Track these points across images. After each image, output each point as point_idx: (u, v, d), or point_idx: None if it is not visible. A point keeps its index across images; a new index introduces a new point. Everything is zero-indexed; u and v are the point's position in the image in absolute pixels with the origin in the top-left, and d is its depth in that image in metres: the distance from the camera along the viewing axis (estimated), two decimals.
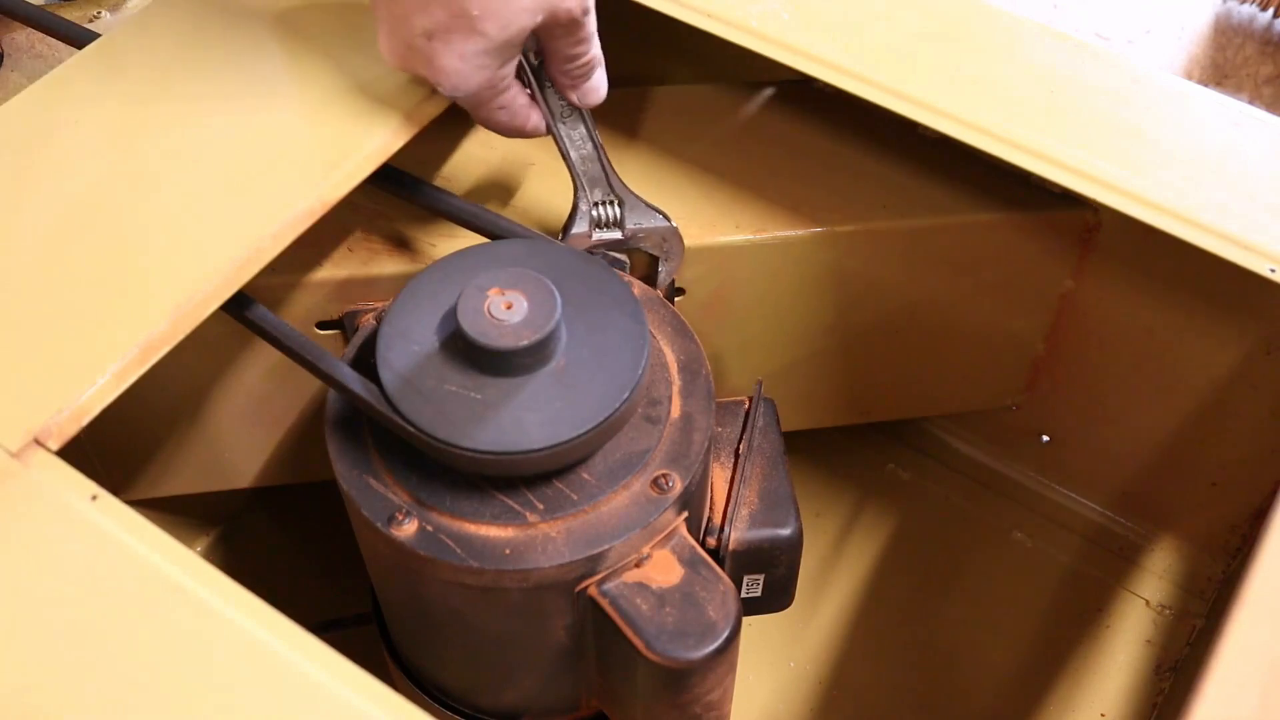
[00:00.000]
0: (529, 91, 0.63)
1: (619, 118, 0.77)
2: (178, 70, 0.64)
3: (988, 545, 0.96)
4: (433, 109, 0.63)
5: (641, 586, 0.54)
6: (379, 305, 0.68)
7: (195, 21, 0.67)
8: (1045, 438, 0.94)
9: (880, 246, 0.75)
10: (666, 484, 0.55)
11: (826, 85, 0.66)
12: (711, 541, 0.61)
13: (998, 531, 0.96)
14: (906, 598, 0.93)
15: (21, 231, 0.57)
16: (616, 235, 0.67)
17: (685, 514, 0.56)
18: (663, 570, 0.55)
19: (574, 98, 0.64)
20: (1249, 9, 1.51)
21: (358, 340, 0.61)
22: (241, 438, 0.75)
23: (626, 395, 0.54)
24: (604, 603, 0.54)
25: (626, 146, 0.77)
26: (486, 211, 0.64)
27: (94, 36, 0.69)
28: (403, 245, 0.69)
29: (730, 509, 0.62)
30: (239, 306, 0.58)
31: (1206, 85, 1.00)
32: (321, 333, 0.70)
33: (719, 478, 0.64)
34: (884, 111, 0.65)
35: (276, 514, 0.97)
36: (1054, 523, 0.96)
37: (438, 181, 0.71)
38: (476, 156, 0.75)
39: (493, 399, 0.53)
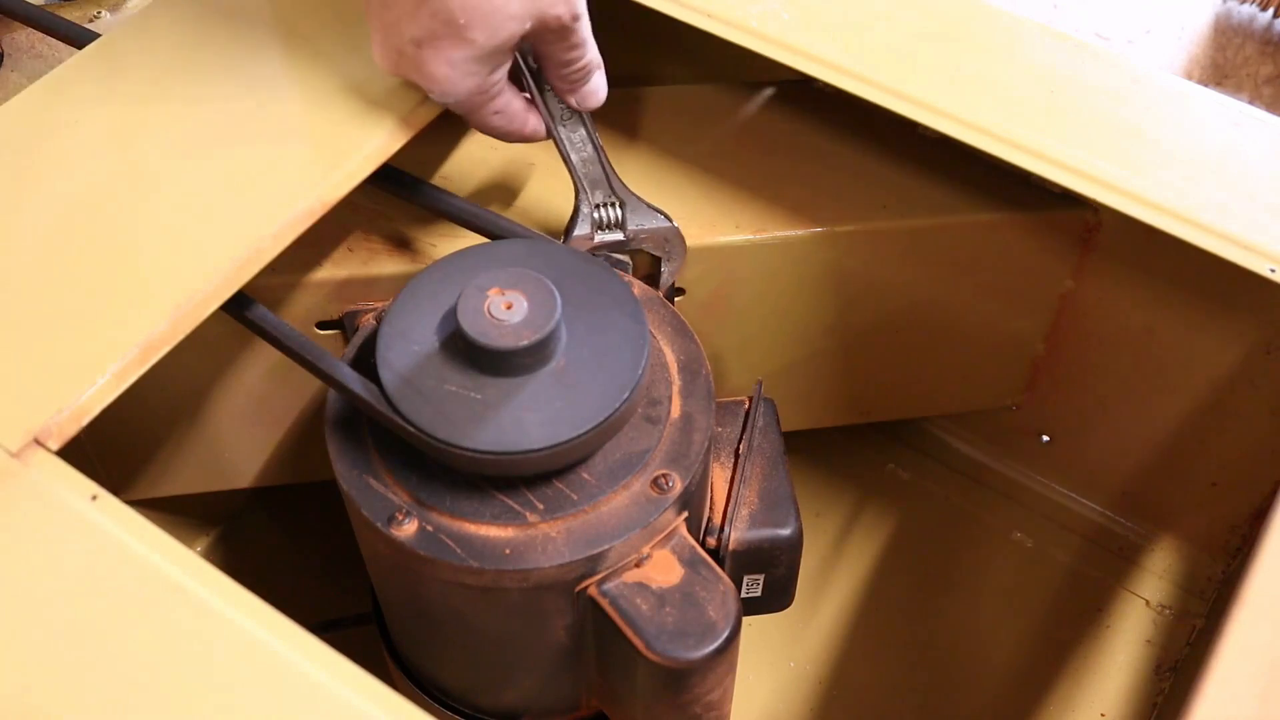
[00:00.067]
0: (526, 96, 0.63)
1: (619, 118, 0.77)
2: (178, 70, 0.64)
3: (988, 545, 0.95)
4: (432, 109, 0.63)
5: (641, 586, 0.54)
6: (379, 305, 0.68)
7: (195, 21, 0.67)
8: (1045, 438, 0.94)
9: (880, 246, 0.75)
10: (666, 484, 0.55)
11: (826, 85, 0.66)
12: (711, 541, 0.61)
13: (998, 531, 0.96)
14: (906, 597, 0.93)
15: (21, 231, 0.57)
16: (618, 237, 0.67)
17: (685, 514, 0.56)
18: (663, 570, 0.55)
19: (572, 101, 0.64)
20: (1249, 9, 1.51)
21: (358, 340, 0.61)
22: (241, 438, 0.75)
23: (626, 395, 0.54)
24: (604, 603, 0.54)
25: (627, 147, 0.77)
26: (486, 211, 0.64)
27: (94, 36, 0.69)
28: (403, 245, 0.69)
29: (730, 509, 0.62)
30: (239, 306, 0.58)
31: (1206, 85, 1.00)
32: (321, 333, 0.70)
33: (719, 478, 0.64)
34: (884, 111, 0.65)
35: (276, 514, 0.97)
36: (1054, 523, 0.96)
37: (438, 181, 0.71)
38: (477, 156, 0.75)
39: (493, 399, 0.53)
